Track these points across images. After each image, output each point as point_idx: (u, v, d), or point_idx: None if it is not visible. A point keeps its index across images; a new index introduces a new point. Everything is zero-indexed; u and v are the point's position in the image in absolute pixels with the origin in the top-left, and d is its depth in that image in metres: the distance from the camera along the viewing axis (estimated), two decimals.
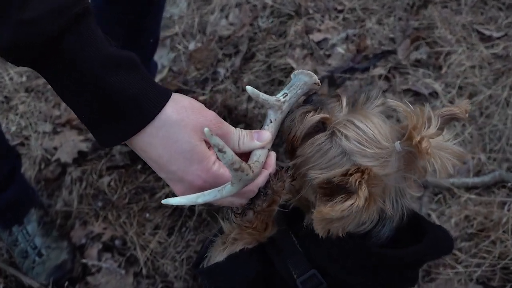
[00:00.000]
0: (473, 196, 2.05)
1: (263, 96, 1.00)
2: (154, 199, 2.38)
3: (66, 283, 2.13)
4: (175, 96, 0.97)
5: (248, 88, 0.97)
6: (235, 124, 2.32)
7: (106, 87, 0.90)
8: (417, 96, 2.38)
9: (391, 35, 2.59)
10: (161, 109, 0.93)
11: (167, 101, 0.94)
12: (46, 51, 0.87)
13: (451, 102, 2.31)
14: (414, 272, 1.27)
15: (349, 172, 1.03)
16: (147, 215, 2.35)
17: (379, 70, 2.49)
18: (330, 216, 1.02)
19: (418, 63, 2.48)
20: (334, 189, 1.06)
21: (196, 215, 2.29)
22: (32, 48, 0.86)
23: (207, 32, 2.83)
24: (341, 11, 2.74)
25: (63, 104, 2.70)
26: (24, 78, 2.83)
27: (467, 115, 1.12)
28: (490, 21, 2.56)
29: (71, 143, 2.53)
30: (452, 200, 2.07)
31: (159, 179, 2.42)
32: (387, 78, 2.46)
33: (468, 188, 2.09)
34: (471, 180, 2.09)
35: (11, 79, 2.80)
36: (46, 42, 0.86)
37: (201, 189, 0.98)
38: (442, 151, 1.02)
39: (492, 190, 2.07)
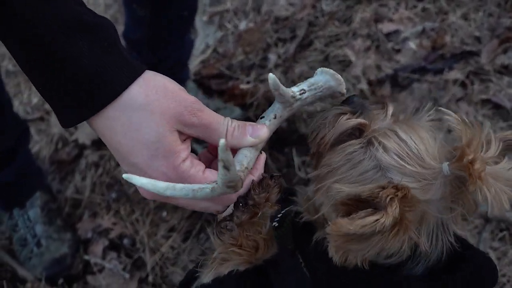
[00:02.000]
0: None
1: (283, 89, 0.88)
2: None
3: (61, 281, 2.07)
4: (148, 75, 0.87)
5: (271, 76, 0.85)
6: None
7: (62, 56, 0.82)
8: (496, 110, 2.22)
9: (477, 33, 2.45)
10: (126, 88, 0.84)
11: (135, 80, 0.85)
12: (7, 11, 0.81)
13: None
14: None
15: (382, 186, 0.91)
16: (164, 214, 2.27)
17: (455, 74, 2.34)
18: (348, 231, 0.88)
19: (504, 70, 2.31)
20: (359, 206, 0.92)
21: (214, 224, 2.09)
22: None
23: (262, 11, 2.80)
24: (420, 0, 2.57)
25: None
26: None
27: None
28: None
29: (89, 129, 2.48)
30: None
31: None
32: (463, 84, 2.31)
33: None
34: None
35: None
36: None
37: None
38: (499, 181, 0.88)
39: None
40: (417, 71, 2.38)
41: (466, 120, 0.94)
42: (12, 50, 0.87)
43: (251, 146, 0.90)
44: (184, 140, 0.90)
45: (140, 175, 0.88)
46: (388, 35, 2.52)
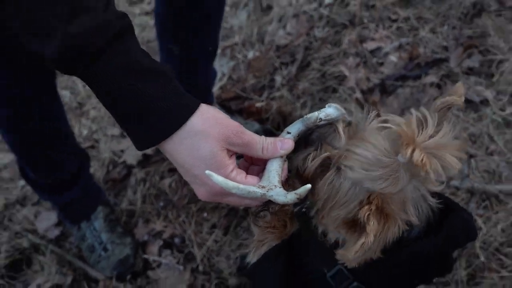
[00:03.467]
0: None
1: (312, 116, 1.06)
2: None
3: (129, 277, 2.22)
4: (202, 108, 0.99)
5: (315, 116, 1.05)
6: None
7: (139, 96, 0.95)
8: (468, 104, 2.36)
9: (444, 44, 2.59)
10: (187, 120, 0.96)
11: (194, 113, 0.97)
12: (89, 62, 0.93)
13: (502, 109, 2.30)
14: (441, 262, 1.22)
15: (362, 205, 1.01)
16: (205, 214, 2.40)
17: (430, 78, 2.49)
18: (350, 257, 1.02)
19: (470, 71, 2.47)
20: (355, 224, 1.03)
21: (250, 215, 2.33)
22: (76, 59, 0.92)
23: (265, 42, 2.88)
24: (395, 21, 2.75)
25: None
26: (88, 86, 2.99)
27: (463, 98, 1.06)
28: None
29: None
30: (499, 207, 2.05)
31: None
32: (438, 86, 2.46)
33: None
34: None
35: (84, 86, 2.94)
36: (88, 55, 0.92)
37: (220, 193, 1.01)
38: (441, 150, 0.95)
39: None
40: (399, 78, 2.53)
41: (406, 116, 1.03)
42: (101, 99, 0.99)
43: (280, 157, 1.00)
44: (231, 155, 1.01)
45: (199, 184, 1.02)
46: (372, 51, 2.64)
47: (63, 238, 2.46)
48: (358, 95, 2.50)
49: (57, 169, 2.12)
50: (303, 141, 1.11)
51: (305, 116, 1.05)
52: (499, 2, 2.66)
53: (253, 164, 1.09)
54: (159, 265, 2.28)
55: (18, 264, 2.43)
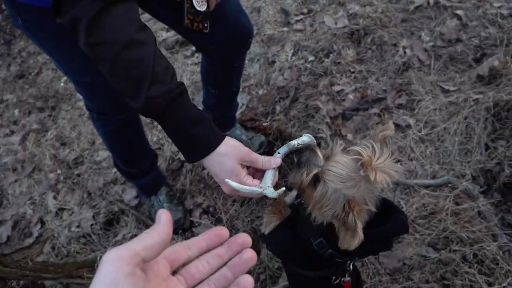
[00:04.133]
0: (428, 192, 2.05)
1: (292, 143, 1.07)
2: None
3: (180, 231, 2.26)
4: (227, 139, 1.05)
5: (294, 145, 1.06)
6: (283, 140, 2.42)
7: (190, 134, 1.01)
8: (397, 127, 2.37)
9: (384, 88, 2.60)
10: (217, 147, 1.02)
11: (221, 142, 1.03)
12: (161, 113, 0.99)
13: (419, 131, 2.31)
14: (386, 243, 1.22)
15: (347, 211, 1.01)
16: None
17: (374, 110, 2.49)
18: (351, 247, 1.02)
19: (400, 106, 2.48)
20: (345, 223, 1.03)
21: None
22: (153, 110, 0.99)
23: (270, 84, 2.88)
24: (353, 72, 2.75)
25: None
26: None
27: (393, 132, 1.10)
28: (449, 79, 2.52)
29: None
30: (415, 193, 2.07)
31: None
32: (379, 115, 2.47)
33: (426, 186, 2.09)
34: (428, 181, 2.10)
35: None
36: (161, 108, 0.98)
37: (235, 190, 1.04)
38: (386, 170, 0.98)
39: (442, 188, 2.06)
40: (354, 110, 2.52)
41: (364, 145, 1.03)
42: (168, 134, 1.05)
43: (273, 168, 1.04)
44: (243, 167, 1.05)
45: (224, 184, 1.05)
46: (338, 92, 2.63)
47: (140, 206, 2.50)
48: (328, 120, 2.47)
49: (138, 164, 2.15)
50: (296, 164, 1.12)
51: (289, 143, 1.07)
52: (420, 62, 2.67)
53: (257, 172, 1.11)
54: (199, 224, 2.30)
55: (111, 222, 2.48)
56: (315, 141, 1.08)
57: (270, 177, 1.03)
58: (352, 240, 1.01)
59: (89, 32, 0.92)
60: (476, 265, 1.75)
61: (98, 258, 2.13)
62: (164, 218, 0.53)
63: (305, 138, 1.08)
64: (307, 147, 1.11)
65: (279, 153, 1.07)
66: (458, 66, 2.59)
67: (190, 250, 0.57)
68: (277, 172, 1.07)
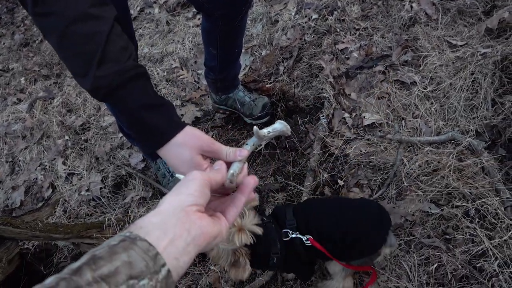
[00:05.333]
0: (432, 148, 2.03)
1: (259, 132, 0.90)
2: (238, 146, 2.39)
3: None
4: (186, 128, 0.95)
5: (254, 128, 0.90)
6: (287, 101, 2.40)
7: (143, 121, 0.93)
8: (402, 84, 2.34)
9: (389, 45, 2.55)
10: (173, 136, 0.92)
11: (179, 131, 0.93)
12: (111, 94, 0.92)
13: (425, 88, 2.26)
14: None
15: (237, 256, 1.34)
16: None
17: (379, 68, 2.45)
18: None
19: (405, 63, 2.43)
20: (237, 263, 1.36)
21: (261, 156, 2.37)
22: (102, 91, 0.91)
23: (273, 44, 2.85)
24: (357, 29, 2.69)
25: (187, 88, 2.92)
26: (165, 73, 3.04)
27: (257, 202, 1.42)
28: (457, 34, 2.44)
29: (191, 112, 2.67)
30: (419, 151, 2.05)
31: (241, 133, 2.51)
32: (384, 73, 2.43)
33: (430, 143, 2.06)
34: (432, 138, 2.08)
35: (158, 73, 3.04)
36: (110, 89, 0.90)
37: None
38: (250, 227, 1.31)
39: (445, 145, 2.04)
40: (359, 68, 2.48)
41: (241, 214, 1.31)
42: (121, 121, 1.01)
43: (239, 161, 0.86)
44: (205, 158, 0.93)
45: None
46: (342, 50, 2.59)
47: (146, 169, 2.53)
48: (331, 79, 2.44)
49: None
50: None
51: (258, 131, 0.89)
52: (427, 16, 2.58)
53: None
54: None
55: (119, 185, 2.53)
56: (289, 127, 0.96)
57: (234, 170, 0.85)
58: (244, 274, 1.33)
59: (36, 1, 0.85)
60: (477, 220, 1.75)
61: (107, 219, 2.19)
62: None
63: (278, 126, 0.94)
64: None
65: (247, 144, 0.93)
66: (467, 19, 2.50)
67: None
68: (246, 165, 0.90)
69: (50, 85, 3.35)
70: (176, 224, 0.59)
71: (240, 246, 1.31)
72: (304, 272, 1.60)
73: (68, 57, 0.92)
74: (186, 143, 0.92)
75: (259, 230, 1.32)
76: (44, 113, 3.07)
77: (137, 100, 0.92)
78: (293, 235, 1.42)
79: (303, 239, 1.42)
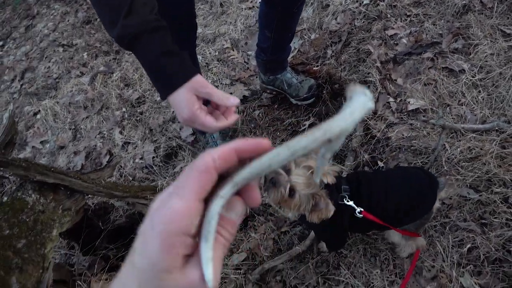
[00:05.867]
0: (475, 135, 2.06)
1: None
2: (282, 125, 2.57)
3: None
4: (196, 76, 1.00)
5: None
6: (333, 84, 2.48)
7: (158, 65, 1.01)
8: (451, 72, 2.35)
9: (440, 32, 2.54)
10: (185, 83, 0.99)
11: (191, 78, 1.00)
12: (132, 41, 1.01)
13: (473, 76, 2.27)
14: None
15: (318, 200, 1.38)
16: (278, 133, 2.56)
17: (428, 54, 2.46)
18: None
19: (455, 51, 2.43)
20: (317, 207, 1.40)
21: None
22: (126, 39, 1.01)
23: (323, 28, 2.90)
24: (408, 16, 2.70)
25: (237, 68, 3.06)
26: (217, 53, 3.18)
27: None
28: (511, 23, 2.41)
29: (239, 90, 2.79)
30: (462, 137, 2.08)
31: (287, 113, 2.61)
32: (432, 60, 2.44)
33: (474, 131, 2.08)
34: (476, 126, 2.10)
35: (210, 53, 3.19)
36: (134, 38, 1.00)
37: (189, 119, 1.01)
38: (330, 172, 1.42)
39: (489, 132, 2.06)
40: (407, 54, 2.50)
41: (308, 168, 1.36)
42: (144, 69, 1.04)
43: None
44: (199, 99, 1.00)
45: (183, 119, 1.02)
46: (391, 36, 2.61)
47: (195, 142, 2.69)
48: (378, 64, 2.49)
49: None
50: (270, 185, 1.36)
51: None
52: (482, 4, 2.56)
53: (216, 109, 1.06)
54: None
55: (170, 155, 2.71)
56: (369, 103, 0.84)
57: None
58: (328, 213, 1.36)
59: None
60: None
61: (160, 184, 2.38)
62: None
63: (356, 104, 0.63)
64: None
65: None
66: None
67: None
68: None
69: (109, 61, 3.60)
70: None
71: (319, 189, 1.38)
72: (338, 240, 1.71)
73: (102, 8, 1.03)
74: (185, 87, 0.99)
75: (337, 172, 1.40)
76: (104, 86, 3.32)
77: (157, 48, 1.00)
78: (349, 203, 1.48)
79: (356, 210, 1.47)
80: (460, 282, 1.70)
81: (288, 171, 1.36)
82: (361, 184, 1.54)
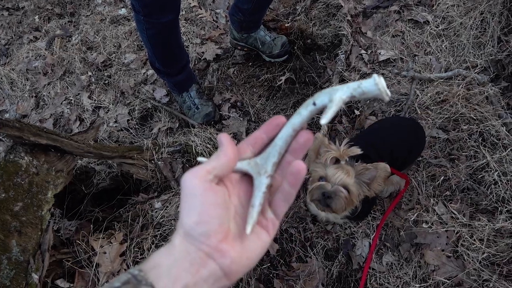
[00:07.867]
0: (442, 81, 2.27)
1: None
2: (258, 81, 2.64)
3: (212, 123, 2.47)
4: None
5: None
6: (305, 39, 2.57)
7: None
8: (416, 23, 2.52)
9: None
10: None
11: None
12: None
13: (436, 27, 2.46)
14: None
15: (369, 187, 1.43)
16: (254, 89, 2.64)
17: (394, 7, 2.62)
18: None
19: (419, 3, 2.60)
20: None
21: (281, 90, 2.56)
22: None
23: None
24: None
25: (206, 27, 3.07)
26: (183, 12, 3.17)
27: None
28: None
29: (211, 49, 2.82)
30: (430, 84, 2.28)
31: (261, 69, 2.68)
32: (398, 12, 2.60)
33: (440, 78, 2.29)
34: (440, 75, 2.31)
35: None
36: None
37: None
38: (350, 152, 1.42)
39: (454, 79, 2.28)
40: (375, 7, 2.66)
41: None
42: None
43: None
44: None
45: None
46: None
47: (170, 102, 2.71)
48: (349, 17, 2.60)
49: (176, 64, 2.32)
50: (327, 198, 1.39)
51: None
52: None
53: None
54: (229, 117, 2.51)
55: (145, 117, 2.71)
56: (384, 90, 0.67)
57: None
58: (386, 169, 1.38)
59: None
60: (481, 140, 2.03)
61: (145, 143, 2.42)
62: (225, 139, 0.54)
63: (367, 85, 0.52)
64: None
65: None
66: None
67: (253, 147, 0.57)
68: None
69: (65, 24, 3.48)
70: (189, 270, 0.47)
71: (356, 167, 1.43)
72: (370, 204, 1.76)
73: None
74: None
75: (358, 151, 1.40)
76: (64, 50, 3.23)
77: None
78: None
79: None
80: (435, 210, 1.94)
81: (322, 179, 1.41)
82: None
